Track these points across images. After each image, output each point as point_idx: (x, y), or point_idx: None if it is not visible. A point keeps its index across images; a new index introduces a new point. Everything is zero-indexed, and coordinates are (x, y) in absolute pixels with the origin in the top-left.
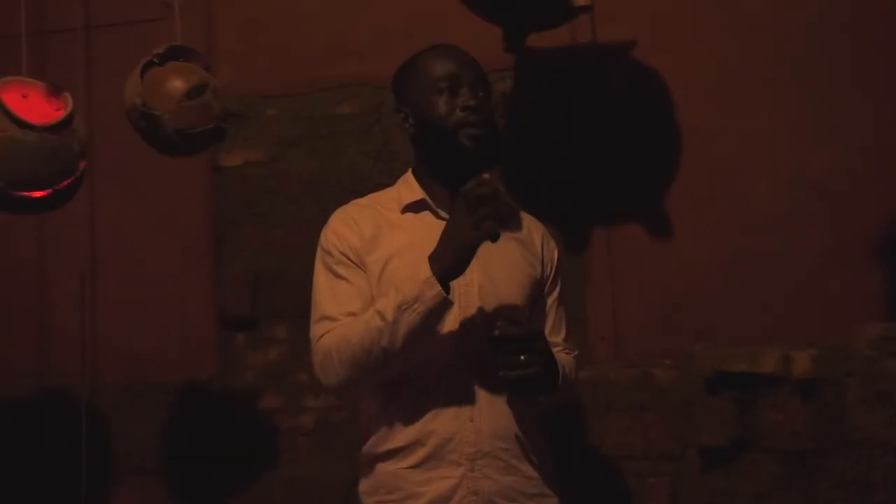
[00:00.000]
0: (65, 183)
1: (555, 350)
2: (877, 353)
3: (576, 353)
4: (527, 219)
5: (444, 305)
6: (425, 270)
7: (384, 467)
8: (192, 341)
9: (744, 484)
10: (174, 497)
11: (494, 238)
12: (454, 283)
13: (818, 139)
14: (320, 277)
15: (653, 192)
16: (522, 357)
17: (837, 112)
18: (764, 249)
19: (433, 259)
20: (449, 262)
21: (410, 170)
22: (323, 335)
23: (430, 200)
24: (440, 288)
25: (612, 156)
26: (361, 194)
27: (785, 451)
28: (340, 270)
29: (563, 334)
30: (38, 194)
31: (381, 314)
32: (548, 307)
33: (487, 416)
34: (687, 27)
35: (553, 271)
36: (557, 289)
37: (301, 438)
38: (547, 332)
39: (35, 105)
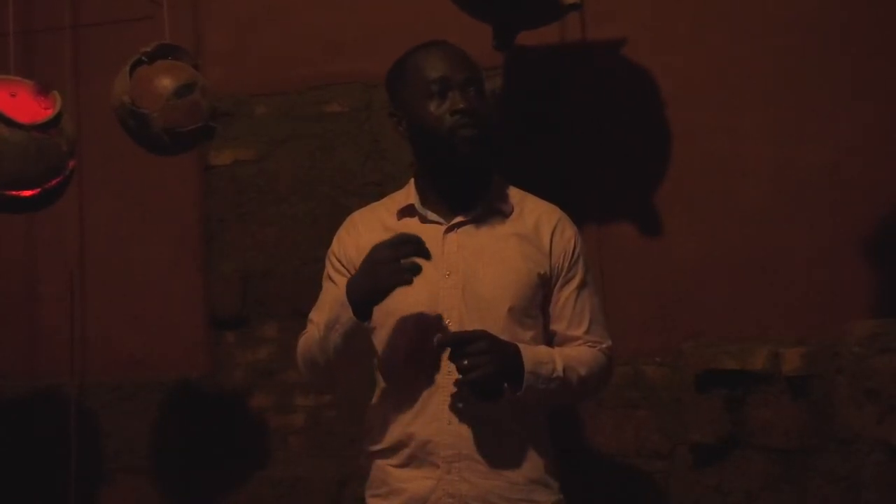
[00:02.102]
0: (53, 182)
1: (574, 344)
2: (866, 350)
3: (604, 345)
4: (538, 210)
5: (358, 328)
6: (343, 293)
7: (378, 463)
8: (181, 340)
9: (734, 481)
10: (164, 496)
11: (408, 284)
12: (438, 284)
13: (808, 137)
14: (323, 281)
15: (643, 191)
16: (465, 362)
17: (827, 110)
18: (754, 247)
19: (352, 283)
20: (365, 293)
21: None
22: (301, 335)
23: (417, 205)
24: (351, 313)
25: (602, 154)
26: (351, 193)
27: (775, 448)
28: (334, 275)
29: (584, 326)
30: (26, 193)
31: (318, 328)
32: (563, 300)
33: (469, 419)
34: (677, 25)
35: (567, 261)
36: (576, 278)
37: (291, 437)
38: (564, 326)
39: (23, 104)
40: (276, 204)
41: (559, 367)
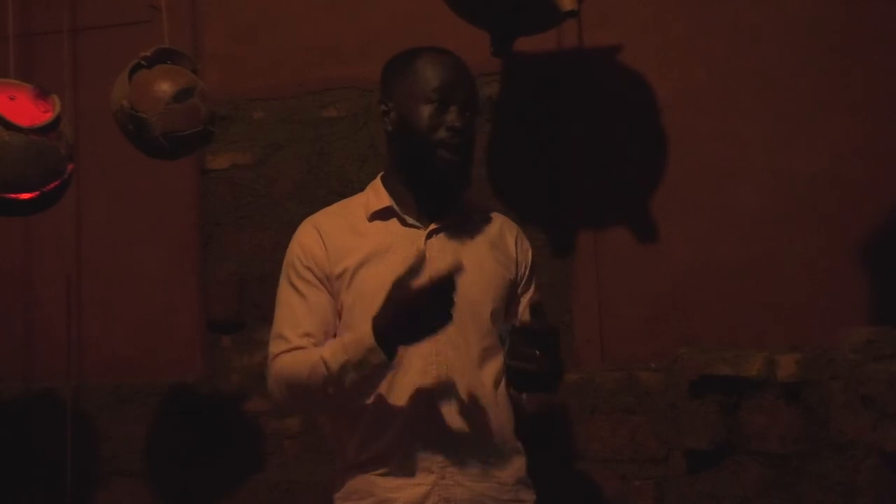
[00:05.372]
0: (52, 185)
1: None
2: (861, 356)
3: None
4: (499, 220)
5: (385, 369)
6: (369, 337)
7: (357, 473)
8: (178, 344)
9: (729, 487)
10: (160, 499)
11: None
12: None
13: (804, 143)
14: (282, 291)
15: (639, 196)
16: (538, 352)
17: (823, 117)
18: (749, 253)
19: (383, 323)
20: (405, 339)
21: (380, 174)
22: (277, 355)
23: (397, 207)
24: (383, 356)
25: (598, 159)
26: (348, 197)
27: (770, 454)
28: (301, 286)
29: None
30: (25, 196)
31: (326, 364)
32: (522, 307)
33: (459, 423)
34: (673, 32)
35: (527, 271)
36: (532, 288)
37: (287, 441)
38: None
39: (22, 107)
40: (272, 208)
41: None
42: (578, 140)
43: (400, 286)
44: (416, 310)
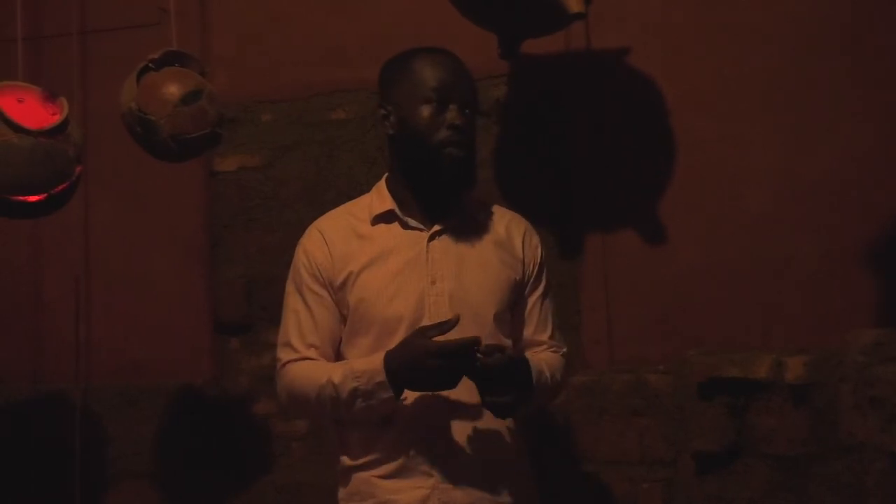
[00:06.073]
0: (60, 187)
1: (540, 349)
2: (870, 358)
3: (564, 349)
4: (506, 217)
5: (395, 402)
6: (380, 374)
7: (359, 475)
8: (186, 345)
9: (737, 489)
10: (167, 501)
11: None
12: (424, 292)
13: (811, 145)
14: (289, 297)
15: (647, 198)
16: (508, 384)
17: (829, 119)
18: (757, 255)
19: (394, 367)
20: (411, 387)
21: (385, 176)
22: (286, 363)
23: (398, 211)
24: (391, 393)
25: (606, 161)
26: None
27: (778, 456)
28: (306, 294)
29: (548, 331)
30: (33, 199)
31: (335, 388)
32: (530, 306)
33: (459, 427)
34: (680, 34)
35: (535, 268)
36: (542, 285)
37: (295, 443)
38: (531, 331)
39: (31, 109)
40: (280, 210)
41: (547, 374)
42: (586, 142)
43: (422, 335)
44: (425, 368)
